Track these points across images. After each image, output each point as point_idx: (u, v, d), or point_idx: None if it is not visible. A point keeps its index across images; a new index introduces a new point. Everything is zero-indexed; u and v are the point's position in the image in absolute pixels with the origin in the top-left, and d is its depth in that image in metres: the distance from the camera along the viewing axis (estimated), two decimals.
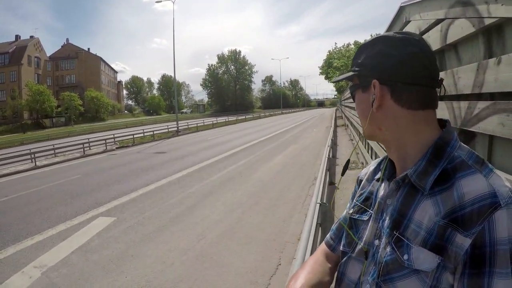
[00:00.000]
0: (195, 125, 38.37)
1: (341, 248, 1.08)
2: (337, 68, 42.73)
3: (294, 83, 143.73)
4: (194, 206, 7.77)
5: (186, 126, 37.48)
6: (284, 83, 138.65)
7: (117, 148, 22.66)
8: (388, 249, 0.87)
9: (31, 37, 72.16)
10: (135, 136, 25.88)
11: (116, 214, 7.47)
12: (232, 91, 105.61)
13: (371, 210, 1.00)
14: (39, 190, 10.94)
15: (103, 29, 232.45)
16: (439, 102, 2.30)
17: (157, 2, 34.23)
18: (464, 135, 2.01)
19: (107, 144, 22.75)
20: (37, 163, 17.25)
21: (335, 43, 76.16)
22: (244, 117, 55.75)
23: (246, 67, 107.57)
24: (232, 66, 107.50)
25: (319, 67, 51.59)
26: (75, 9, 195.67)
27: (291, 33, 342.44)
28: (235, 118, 50.81)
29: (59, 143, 22.48)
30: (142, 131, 28.97)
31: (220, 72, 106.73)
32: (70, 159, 18.67)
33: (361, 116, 0.97)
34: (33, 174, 15.09)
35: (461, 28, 1.92)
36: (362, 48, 0.95)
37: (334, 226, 1.22)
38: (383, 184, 1.01)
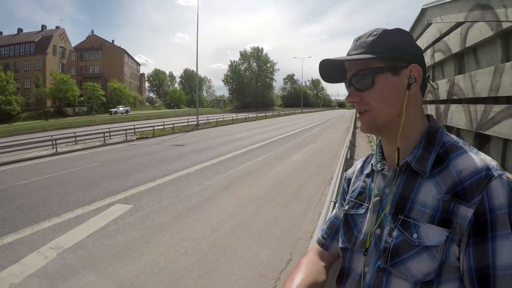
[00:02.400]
0: (215, 120, 38.56)
1: (340, 245, 1.10)
2: None
3: (316, 83, 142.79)
4: (210, 198, 7.82)
5: (206, 121, 37.73)
6: (305, 82, 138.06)
7: (137, 139, 22.94)
8: (395, 233, 0.92)
9: (57, 27, 73.79)
10: (155, 128, 26.17)
11: (133, 202, 7.57)
12: (253, 88, 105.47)
13: (367, 203, 1.06)
14: (58, 175, 11.17)
15: (127, 22, 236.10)
16: (457, 105, 2.23)
17: None
18: (479, 139, 1.99)
19: (127, 135, 23.08)
20: (58, 150, 17.63)
21: None
22: (264, 114, 55.70)
23: (268, 65, 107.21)
24: (254, 63, 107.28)
25: None
26: (100, 1, 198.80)
27: (314, 32, 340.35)
28: (255, 115, 50.80)
29: (80, 131, 22.99)
30: (162, 123, 29.25)
31: (242, 68, 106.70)
32: (90, 147, 19.01)
33: (383, 100, 0.95)
34: (54, 160, 15.41)
35: (480, 31, 1.90)
36: (383, 34, 0.96)
37: (325, 226, 1.27)
38: (376, 177, 1.06)
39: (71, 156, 16.31)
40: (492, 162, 0.87)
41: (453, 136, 0.98)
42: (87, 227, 6.15)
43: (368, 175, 1.11)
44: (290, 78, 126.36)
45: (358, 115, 1.02)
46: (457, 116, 2.30)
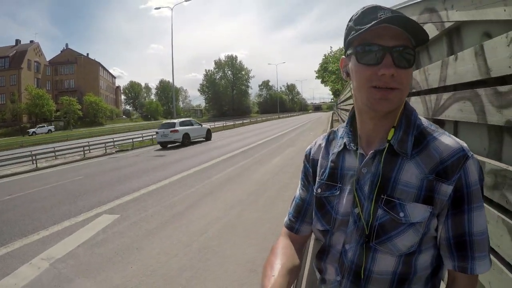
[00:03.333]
0: None
1: (320, 228, 1.12)
2: (332, 72, 43.00)
3: (291, 88, 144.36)
4: (195, 204, 7.98)
5: None
6: (280, 88, 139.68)
7: (116, 151, 22.78)
8: (380, 212, 0.97)
9: (31, 41, 72.67)
10: (134, 140, 26.04)
11: (120, 212, 7.66)
12: (229, 96, 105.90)
13: (339, 184, 1.07)
14: (42, 190, 11.11)
15: (101, 35, 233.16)
16: (415, 97, 2.53)
17: (156, 8, 34.76)
18: (436, 124, 2.28)
19: (107, 148, 22.90)
20: (38, 165, 17.38)
21: (331, 47, 76.33)
22: (241, 121, 55.89)
23: (243, 72, 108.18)
24: (229, 71, 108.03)
25: (315, 71, 51.63)
26: (74, 15, 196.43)
27: (286, 37, 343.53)
28: (232, 123, 50.92)
29: (60, 146, 22.67)
30: (141, 135, 29.10)
31: (217, 77, 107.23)
32: (70, 161, 18.81)
33: (409, 83, 0.97)
34: (35, 175, 15.23)
35: (429, 31, 2.18)
36: (414, 23, 0.93)
37: (291, 209, 1.28)
38: (346, 156, 1.08)
39: (52, 171, 16.14)
40: (464, 144, 0.95)
41: (423, 118, 1.04)
42: (76, 237, 6.21)
43: (337, 155, 1.11)
44: (265, 85, 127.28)
45: (377, 90, 0.93)
46: (416, 106, 2.58)
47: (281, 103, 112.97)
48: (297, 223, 1.23)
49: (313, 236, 1.44)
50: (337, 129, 1.20)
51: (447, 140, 0.96)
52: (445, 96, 1.98)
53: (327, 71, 44.88)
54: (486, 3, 1.42)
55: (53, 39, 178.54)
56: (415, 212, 0.94)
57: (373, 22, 0.88)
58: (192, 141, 24.05)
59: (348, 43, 1.00)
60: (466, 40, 1.78)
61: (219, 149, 19.54)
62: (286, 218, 1.28)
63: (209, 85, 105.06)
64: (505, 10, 1.28)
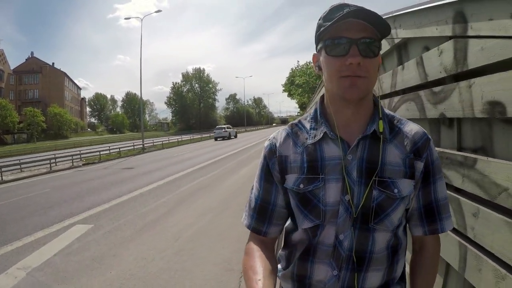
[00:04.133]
0: (161, 142, 38.39)
1: (309, 225, 1.09)
2: (299, 85, 43.73)
3: (258, 101, 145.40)
4: (168, 212, 8.16)
5: (152, 144, 37.40)
6: (247, 101, 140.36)
7: (83, 164, 22.42)
8: (375, 193, 1.04)
9: None
10: (101, 153, 25.72)
11: (93, 222, 7.71)
12: (197, 109, 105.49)
13: (322, 175, 1.06)
14: (10, 203, 10.87)
15: (67, 44, 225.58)
16: None
17: (126, 18, 34.68)
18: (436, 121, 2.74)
19: (74, 161, 22.50)
20: (4, 178, 16.90)
21: (298, 60, 77.84)
22: (209, 134, 55.90)
23: (210, 85, 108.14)
24: (196, 84, 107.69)
25: (282, 84, 52.41)
26: (40, 22, 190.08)
27: (254, 51, 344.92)
28: (200, 136, 50.98)
29: (25, 158, 22.10)
30: (108, 148, 28.76)
31: (185, 90, 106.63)
32: (36, 174, 18.36)
33: (375, 72, 1.05)
34: (1, 188, 14.79)
35: (383, 46, 2.63)
36: (378, 16, 0.99)
37: (253, 212, 1.21)
38: (325, 146, 1.09)
39: (19, 183, 15.71)
40: (424, 129, 1.13)
41: (386, 109, 1.16)
42: (51, 247, 6.24)
43: (313, 146, 1.10)
44: (232, 98, 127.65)
45: (346, 78, 0.99)
46: None
47: (248, 116, 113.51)
48: (264, 226, 1.19)
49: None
50: (299, 121, 1.20)
51: (414, 126, 1.12)
52: (396, 99, 2.42)
53: (294, 85, 45.57)
54: (425, 24, 1.85)
55: (18, 46, 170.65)
56: (405, 187, 1.05)
57: (339, 16, 0.95)
58: (229, 137, 45.02)
59: (318, 39, 1.07)
60: (411, 53, 2.22)
61: (188, 161, 19.72)
62: (247, 221, 1.23)
63: (176, 98, 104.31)
64: (437, 29, 1.71)
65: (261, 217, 1.19)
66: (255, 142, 34.04)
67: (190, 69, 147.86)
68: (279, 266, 1.26)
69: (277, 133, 1.21)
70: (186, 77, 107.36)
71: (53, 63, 79.29)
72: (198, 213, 7.91)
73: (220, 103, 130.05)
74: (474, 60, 1.50)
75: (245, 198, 5.16)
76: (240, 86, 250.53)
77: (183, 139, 45.04)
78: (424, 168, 1.08)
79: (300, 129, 1.16)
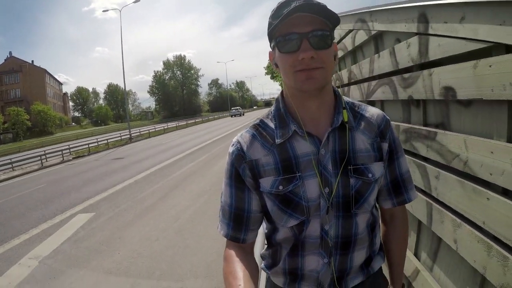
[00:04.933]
0: (147, 131, 38.17)
1: (295, 223, 1.08)
2: None
3: (241, 85, 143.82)
4: (164, 197, 8.45)
5: (139, 133, 37.16)
6: (230, 85, 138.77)
7: (73, 158, 22.30)
8: (352, 181, 1.06)
9: None
10: (90, 145, 25.62)
11: (94, 210, 7.95)
12: (180, 96, 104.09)
13: (298, 173, 1.05)
14: (8, 200, 10.94)
15: (44, 41, 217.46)
16: (354, 86, 3.34)
17: (104, 11, 33.92)
18: (368, 103, 3.04)
19: (64, 155, 22.40)
20: None
21: None
22: (194, 120, 55.75)
23: (192, 71, 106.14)
24: (178, 72, 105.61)
25: (264, 67, 51.78)
26: (15, 20, 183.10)
27: (234, 35, 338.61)
28: (185, 123, 50.70)
29: (16, 157, 21.91)
30: (96, 140, 28.62)
31: (167, 78, 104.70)
32: (29, 171, 18.24)
33: (331, 62, 1.02)
34: None
35: (361, 36, 2.91)
36: (325, 7, 0.98)
37: (228, 221, 1.16)
38: (295, 143, 1.07)
39: (12, 182, 15.63)
40: (381, 111, 1.17)
41: (344, 96, 1.15)
42: (58, 236, 6.47)
43: (282, 145, 1.07)
44: (215, 83, 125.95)
45: (301, 72, 0.98)
46: (354, 92, 3.31)
47: (231, 100, 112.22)
48: (241, 234, 1.15)
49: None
50: (260, 121, 1.16)
51: (374, 110, 1.15)
52: (373, 83, 2.74)
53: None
54: (396, 20, 2.15)
55: None
56: (377, 170, 1.09)
57: (286, 12, 0.93)
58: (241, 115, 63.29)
59: (270, 37, 1.04)
60: (386, 44, 2.52)
61: (177, 148, 19.87)
62: (224, 231, 1.17)
63: (159, 86, 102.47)
64: (405, 26, 2.01)
65: (238, 226, 1.14)
66: (240, 126, 34.24)
67: (170, 56, 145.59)
68: (263, 264, 1.29)
69: (241, 137, 1.14)
70: (167, 64, 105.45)
71: (32, 61, 76.97)
72: (193, 195, 8.22)
73: (203, 89, 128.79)
74: (434, 53, 1.81)
75: None
76: (222, 71, 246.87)
77: (169, 126, 44.85)
78: (389, 147, 1.13)
79: (265, 129, 1.12)
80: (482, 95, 1.49)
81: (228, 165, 1.16)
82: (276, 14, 0.98)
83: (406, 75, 2.16)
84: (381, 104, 2.75)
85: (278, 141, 1.07)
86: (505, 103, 1.40)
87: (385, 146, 1.11)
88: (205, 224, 6.13)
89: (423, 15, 1.83)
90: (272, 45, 1.06)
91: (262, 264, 1.29)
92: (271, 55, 1.09)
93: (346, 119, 1.06)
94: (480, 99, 1.52)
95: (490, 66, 1.41)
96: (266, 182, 1.07)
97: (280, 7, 0.98)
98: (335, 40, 1.13)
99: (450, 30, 1.61)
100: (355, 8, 3.07)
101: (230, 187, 1.15)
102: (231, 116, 63.93)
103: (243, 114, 65.54)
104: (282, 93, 1.16)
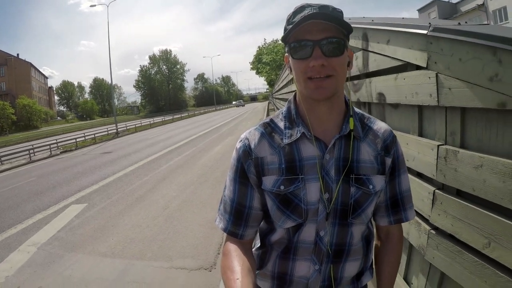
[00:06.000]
0: (134, 126, 38.20)
1: (292, 224, 1.09)
2: (266, 63, 43.59)
3: (226, 80, 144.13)
4: (153, 188, 8.85)
5: (125, 128, 37.15)
6: (216, 80, 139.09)
7: (61, 152, 22.38)
8: (353, 190, 1.06)
9: None
10: (77, 140, 25.70)
11: (86, 201, 8.30)
12: (165, 91, 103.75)
13: (301, 175, 1.05)
14: (0, 193, 11.15)
15: (29, 33, 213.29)
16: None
17: (91, 6, 33.59)
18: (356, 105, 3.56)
19: (51, 149, 22.48)
20: None
21: (264, 38, 77.52)
22: (180, 115, 55.79)
23: (178, 66, 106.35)
24: (164, 66, 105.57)
25: (250, 62, 51.65)
26: (0, 12, 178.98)
27: (220, 29, 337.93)
28: (171, 117, 50.74)
29: (2, 151, 21.89)
30: (83, 134, 28.62)
31: (153, 72, 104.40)
32: (17, 166, 18.30)
33: (344, 70, 1.03)
34: None
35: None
36: (341, 15, 1.02)
37: (228, 216, 1.17)
38: (302, 145, 1.07)
39: (2, 176, 15.72)
40: (389, 127, 1.15)
41: (354, 107, 1.14)
42: (53, 225, 6.81)
43: (289, 146, 1.08)
44: (200, 78, 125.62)
45: (311, 81, 0.98)
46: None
47: (217, 95, 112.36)
48: (240, 229, 1.15)
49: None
50: (271, 120, 1.16)
51: (382, 124, 1.14)
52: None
53: (262, 63, 44.99)
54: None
55: None
56: (378, 182, 1.08)
57: (299, 20, 0.94)
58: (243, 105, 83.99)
59: (285, 42, 1.04)
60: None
61: (163, 142, 20.19)
62: (223, 224, 1.19)
63: (145, 80, 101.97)
64: (354, 41, 2.49)
65: (238, 220, 1.15)
66: (225, 121, 34.57)
67: (156, 50, 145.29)
68: None
69: (249, 133, 1.15)
70: (153, 59, 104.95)
71: (17, 54, 75.47)
72: (180, 187, 8.65)
73: (189, 84, 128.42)
74: (372, 66, 2.32)
75: (221, 172, 6.22)
76: (208, 65, 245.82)
77: (155, 121, 44.87)
78: (392, 163, 1.12)
79: (274, 129, 1.13)
80: (400, 101, 1.99)
81: (234, 160, 1.17)
82: (291, 20, 0.99)
83: (355, 82, 2.68)
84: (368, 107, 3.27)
85: (285, 141, 1.08)
86: (416, 107, 1.89)
87: (388, 161, 1.11)
88: (193, 211, 6.59)
89: (365, 35, 2.33)
90: (286, 50, 1.06)
91: None
92: (286, 58, 1.09)
93: (352, 127, 1.06)
94: (399, 103, 2.03)
95: (404, 78, 1.91)
96: (269, 181, 1.08)
97: (295, 12, 0.99)
98: None
99: (381, 49, 2.11)
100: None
101: (234, 182, 1.15)
102: (236, 106, 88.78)
103: (244, 105, 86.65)
104: (295, 95, 1.16)
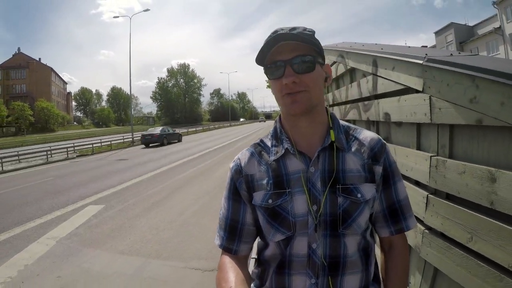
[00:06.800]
0: None
1: (281, 237, 1.11)
2: None
3: (242, 96, 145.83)
4: (169, 195, 9.13)
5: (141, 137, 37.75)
6: (231, 96, 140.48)
7: (77, 156, 22.96)
8: (340, 200, 1.06)
9: None
10: (94, 145, 26.24)
11: (104, 203, 8.59)
12: (182, 103, 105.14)
13: (288, 189, 1.09)
14: (19, 189, 11.51)
15: (52, 39, 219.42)
16: (336, 107, 4.16)
17: (114, 17, 35.12)
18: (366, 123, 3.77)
19: (68, 153, 23.02)
20: (4, 168, 17.40)
21: None
22: (194, 129, 56.29)
23: (195, 80, 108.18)
24: (181, 79, 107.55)
25: (266, 80, 51.99)
26: (25, 19, 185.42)
27: (236, 46, 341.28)
28: (186, 130, 51.29)
29: (23, 150, 22.52)
30: (99, 140, 29.26)
31: (170, 85, 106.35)
32: (34, 165, 18.87)
33: (317, 85, 1.07)
34: (2, 177, 15.32)
35: (341, 68, 3.70)
36: (314, 34, 1.08)
37: (223, 232, 1.22)
38: (288, 161, 1.12)
39: (20, 173, 16.27)
40: (378, 135, 1.17)
41: (339, 119, 1.20)
42: (72, 222, 7.09)
43: (276, 162, 1.13)
44: (216, 93, 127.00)
45: (287, 96, 1.05)
46: (336, 112, 4.06)
47: (232, 111, 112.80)
48: (234, 245, 1.20)
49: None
50: (260, 140, 1.24)
51: (368, 133, 1.16)
52: (348, 106, 3.52)
53: None
54: (360, 61, 2.91)
55: (5, 43, 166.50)
56: (367, 191, 1.08)
57: (268, 42, 1.03)
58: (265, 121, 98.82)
59: (261, 65, 1.12)
60: (356, 77, 3.29)
61: (178, 154, 20.51)
62: (218, 241, 1.24)
63: (162, 92, 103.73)
64: (365, 66, 2.77)
65: (232, 236, 1.20)
66: (240, 137, 34.88)
67: (173, 64, 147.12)
68: (252, 285, 1.26)
69: (241, 154, 1.24)
70: (171, 72, 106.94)
71: (39, 59, 78.04)
72: (196, 195, 8.90)
73: (205, 98, 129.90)
74: (380, 89, 2.57)
75: None
76: (224, 81, 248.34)
77: None
78: (383, 171, 1.13)
79: (263, 148, 1.20)
80: (402, 119, 2.25)
81: (228, 179, 1.24)
82: (264, 44, 1.06)
83: (366, 102, 2.94)
84: (353, 123, 3.45)
85: (272, 158, 1.14)
86: (415, 124, 2.14)
87: (379, 169, 1.12)
88: (207, 218, 6.81)
89: (375, 61, 2.58)
90: (264, 72, 1.12)
91: (252, 285, 1.27)
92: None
93: (333, 139, 1.10)
94: (402, 122, 2.28)
95: (405, 100, 2.17)
96: (258, 196, 1.13)
97: (270, 37, 1.05)
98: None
99: (387, 75, 2.36)
100: (345, 41, 3.86)
101: (228, 199, 1.23)
102: (259, 121, 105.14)
103: (265, 121, 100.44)
104: (280, 115, 1.23)
